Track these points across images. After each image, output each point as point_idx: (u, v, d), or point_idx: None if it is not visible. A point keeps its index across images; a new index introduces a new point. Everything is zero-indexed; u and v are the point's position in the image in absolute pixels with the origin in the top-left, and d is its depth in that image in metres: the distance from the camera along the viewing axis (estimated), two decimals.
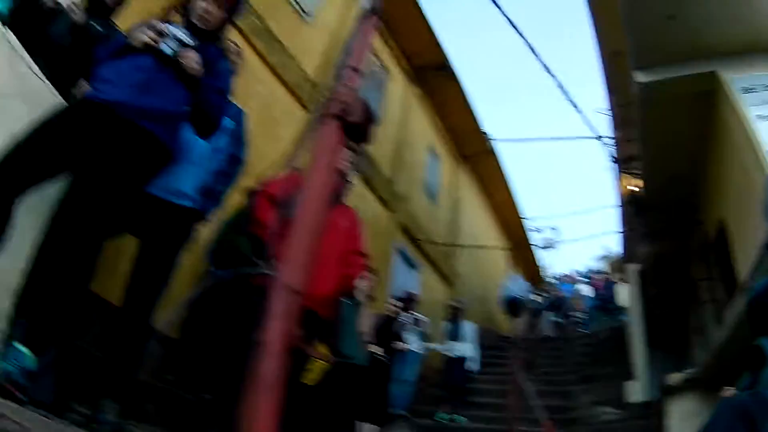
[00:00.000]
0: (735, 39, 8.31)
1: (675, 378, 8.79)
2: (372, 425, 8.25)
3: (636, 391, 10.40)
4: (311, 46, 9.83)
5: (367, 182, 10.71)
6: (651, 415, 9.41)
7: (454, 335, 10.55)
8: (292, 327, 1.98)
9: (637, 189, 12.16)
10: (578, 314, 21.43)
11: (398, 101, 13.48)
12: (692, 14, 7.94)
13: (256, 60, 8.06)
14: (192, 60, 3.29)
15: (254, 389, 1.81)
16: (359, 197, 10.02)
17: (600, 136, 11.60)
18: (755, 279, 6.36)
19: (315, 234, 2.20)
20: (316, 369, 5.81)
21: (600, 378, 12.29)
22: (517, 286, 18.20)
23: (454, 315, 10.87)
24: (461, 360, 10.41)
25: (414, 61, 14.15)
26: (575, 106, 9.92)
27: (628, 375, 11.20)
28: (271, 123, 8.03)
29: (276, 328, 1.90)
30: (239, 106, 4.49)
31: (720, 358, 7.49)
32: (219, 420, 3.90)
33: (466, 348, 10.57)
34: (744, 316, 3.18)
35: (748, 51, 8.41)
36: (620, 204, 15.34)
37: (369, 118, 2.56)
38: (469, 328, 10.85)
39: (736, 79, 8.11)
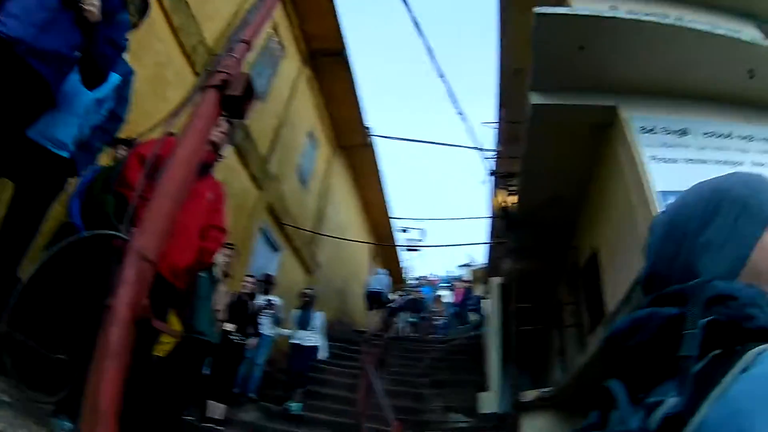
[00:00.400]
0: (640, 78, 8.70)
1: (531, 395, 9.07)
2: (221, 405, 8.17)
3: (489, 402, 10.57)
4: (216, 13, 9.60)
5: (242, 157, 10.55)
6: (502, 428, 9.67)
7: (304, 324, 10.46)
8: (142, 296, 1.97)
9: (510, 205, 12.44)
10: (438, 318, 21.93)
11: (288, 81, 13.36)
12: (602, 48, 8.24)
13: (160, 17, 7.78)
14: (92, 5, 3.20)
15: (100, 355, 1.78)
16: (231, 170, 9.90)
17: (480, 148, 11.81)
18: (621, 312, 6.66)
19: (176, 202, 2.22)
20: (166, 341, 5.68)
21: (453, 384, 12.47)
22: (380, 281, 18.47)
23: (305, 303, 10.77)
24: (311, 349, 10.37)
25: (312, 43, 14.09)
26: (460, 113, 10.08)
27: (482, 385, 11.35)
28: (162, 83, 7.78)
29: (125, 296, 1.87)
30: (130, 64, 4.37)
31: (578, 382, 7.76)
32: (73, 381, 3.74)
33: (315, 337, 10.54)
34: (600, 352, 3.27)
35: (651, 92, 8.81)
36: (491, 217, 15.73)
37: (248, 94, 2.54)
38: (318, 317, 10.81)
39: (635, 118, 8.48)
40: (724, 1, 11.95)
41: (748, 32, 10.80)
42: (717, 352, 0.83)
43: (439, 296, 23.38)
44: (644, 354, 0.93)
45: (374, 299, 17.63)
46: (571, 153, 9.36)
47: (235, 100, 2.45)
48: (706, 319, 0.87)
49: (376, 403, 9.24)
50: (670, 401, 0.83)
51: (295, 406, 9.62)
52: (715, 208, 1.10)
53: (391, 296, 18.86)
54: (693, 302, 0.92)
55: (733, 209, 1.09)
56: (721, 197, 1.11)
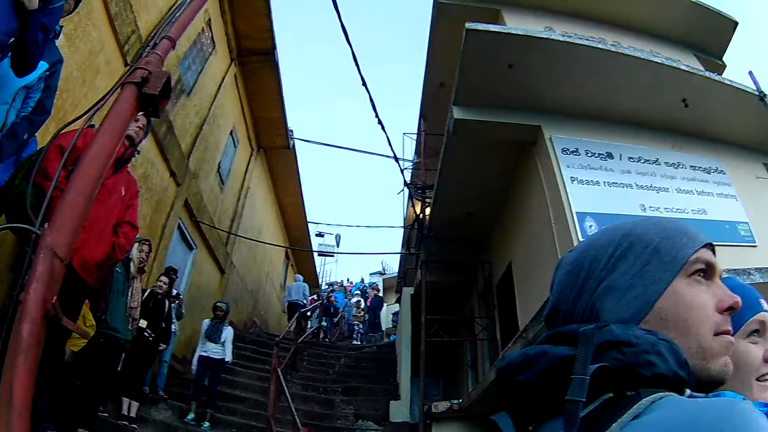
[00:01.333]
0: (569, 100, 8.87)
1: (442, 405, 9.18)
2: (135, 402, 8.07)
3: (399, 411, 10.61)
4: (153, 3, 9.38)
5: (163, 152, 10.30)
6: None
7: (213, 337, 10.30)
8: (53, 292, 1.95)
9: (425, 217, 12.55)
10: (353, 325, 22.09)
11: (215, 77, 13.23)
12: (532, 68, 8.36)
13: (98, 3, 7.55)
14: None
15: (12, 350, 1.76)
16: (151, 165, 9.73)
17: (396, 157, 11.91)
18: (532, 329, 6.77)
19: (89, 198, 2.21)
20: (79, 338, 5.60)
21: (364, 392, 12.54)
22: (299, 289, 18.51)
23: (218, 317, 10.58)
24: (219, 362, 10.21)
25: (243, 41, 14.06)
26: (380, 122, 10.15)
27: (394, 394, 11.41)
28: (93, 71, 7.50)
29: (35, 292, 1.87)
30: (64, 47, 4.28)
31: (487, 396, 7.87)
32: None
33: (223, 351, 10.38)
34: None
35: (578, 115, 9.00)
36: (405, 227, 15.86)
37: (165, 93, 2.55)
38: (228, 332, 10.62)
39: (558, 138, 8.62)
40: (665, 30, 12.39)
41: (688, 62, 11.40)
42: (609, 396, 0.86)
43: (359, 302, 23.52)
44: (533, 390, 0.94)
45: (293, 309, 17.74)
46: (490, 169, 9.50)
47: (151, 98, 2.48)
48: (595, 366, 0.88)
49: (286, 408, 9.20)
50: None
51: (205, 425, 9.42)
52: (624, 252, 1.10)
53: (305, 300, 18.97)
54: (585, 346, 0.92)
55: (643, 254, 1.09)
56: (632, 241, 1.10)
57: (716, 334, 1.02)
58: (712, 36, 13.57)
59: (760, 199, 10.85)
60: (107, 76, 7.83)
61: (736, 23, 13.69)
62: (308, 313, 18.78)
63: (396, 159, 11.91)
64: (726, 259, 7.95)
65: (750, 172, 11.31)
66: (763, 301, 1.42)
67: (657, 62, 9.10)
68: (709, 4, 13.16)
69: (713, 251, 1.12)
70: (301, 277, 20.30)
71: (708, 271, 1.08)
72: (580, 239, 7.29)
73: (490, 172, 9.68)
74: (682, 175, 9.83)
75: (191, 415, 9.44)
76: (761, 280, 7.23)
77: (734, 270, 7.17)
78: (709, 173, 10.29)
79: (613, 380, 0.86)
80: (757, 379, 1.31)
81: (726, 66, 13.88)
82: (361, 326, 22.12)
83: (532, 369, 0.95)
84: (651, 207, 8.87)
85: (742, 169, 11.14)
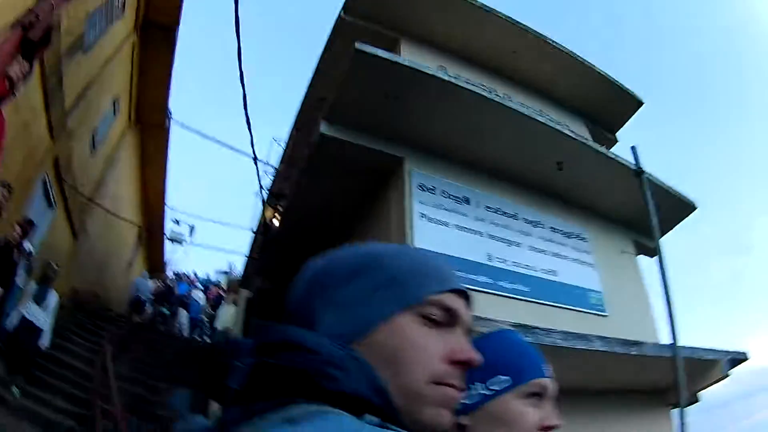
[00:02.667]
0: (439, 139, 9.50)
1: None
2: None
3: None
4: None
5: (47, 102, 10.48)
6: None
7: (39, 299, 9.97)
8: None
9: (274, 224, 13.17)
10: (198, 320, 22.30)
11: (115, 42, 13.50)
12: (411, 100, 8.88)
13: None
14: None
15: None
16: (33, 112, 9.94)
17: (256, 159, 12.28)
18: None
19: None
20: None
21: (190, 384, 12.80)
22: (145, 287, 18.78)
23: (46, 278, 10.33)
24: (40, 330, 9.87)
25: (150, 13, 14.47)
26: (248, 120, 10.46)
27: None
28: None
29: None
30: None
31: None
32: None
33: (45, 318, 10.06)
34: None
35: (445, 156, 9.65)
36: (253, 231, 16.40)
37: (45, 42, 2.86)
38: (54, 298, 10.34)
39: (417, 174, 9.20)
40: (562, 95, 13.37)
41: (576, 128, 12.18)
42: (279, 400, 0.86)
43: (195, 295, 23.63)
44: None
45: (137, 306, 17.93)
46: (347, 191, 10.03)
47: (32, 43, 2.79)
48: (258, 359, 0.94)
49: (110, 386, 9.55)
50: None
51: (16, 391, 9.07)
52: (363, 270, 1.12)
53: (148, 288, 19.17)
54: (257, 337, 0.98)
55: (376, 278, 1.10)
56: (370, 263, 1.13)
57: (435, 383, 1.04)
58: (610, 110, 14.55)
59: (620, 272, 11.78)
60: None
61: (641, 103, 14.78)
62: (149, 297, 19.08)
63: (255, 160, 12.30)
64: (570, 323, 8.84)
65: (617, 245, 12.24)
66: (547, 368, 1.48)
67: (539, 120, 9.76)
68: (619, 80, 14.21)
69: (467, 300, 1.16)
70: (147, 274, 20.55)
71: (449, 318, 1.10)
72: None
73: (347, 195, 10.13)
74: (540, 234, 10.50)
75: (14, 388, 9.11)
76: (602, 348, 7.95)
77: (576, 334, 7.82)
78: (569, 237, 11.05)
79: (290, 384, 0.90)
80: None
81: (617, 141, 14.94)
82: (206, 321, 22.31)
83: (230, 356, 0.99)
84: (498, 258, 9.44)
85: (608, 241, 12.05)
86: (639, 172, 9.66)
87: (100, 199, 15.98)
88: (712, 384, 11.33)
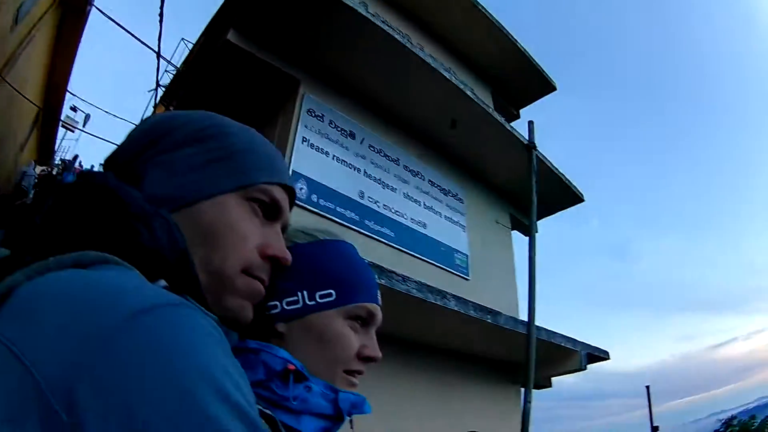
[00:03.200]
0: (343, 72, 9.65)
1: None
2: None
3: None
4: None
5: None
6: None
7: None
8: None
9: None
10: None
11: None
12: (324, 28, 8.84)
13: None
14: None
15: None
16: None
17: (159, 54, 12.11)
18: None
19: None
20: None
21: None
22: (30, 173, 18.43)
23: None
24: None
25: None
26: (161, 14, 10.30)
27: None
28: None
29: None
30: None
31: None
32: None
33: None
34: None
35: (344, 90, 9.79)
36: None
37: None
38: None
39: (310, 98, 9.14)
40: (477, 60, 13.78)
41: (482, 95, 12.27)
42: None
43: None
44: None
45: (20, 192, 17.66)
46: (241, 100, 9.79)
47: None
48: (61, 196, 0.90)
49: None
50: None
51: None
52: (198, 138, 1.09)
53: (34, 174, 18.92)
54: (77, 182, 0.93)
55: (215, 150, 1.08)
56: (213, 133, 1.10)
57: (246, 272, 1.04)
58: (520, 86, 14.91)
59: (491, 241, 12.05)
60: None
61: (553, 87, 15.16)
62: (34, 182, 18.92)
63: (158, 55, 12.21)
64: (431, 278, 8.81)
65: (493, 214, 12.52)
66: (379, 296, 1.41)
67: (444, 75, 9.70)
68: (538, 61, 14.43)
69: (291, 201, 1.19)
70: (34, 164, 20.27)
71: (271, 210, 1.11)
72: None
73: (241, 106, 9.78)
74: (418, 184, 10.49)
75: None
76: (456, 308, 8.00)
77: (432, 287, 7.76)
78: (446, 194, 11.12)
79: (90, 231, 0.85)
80: (345, 371, 1.28)
81: (519, 117, 15.20)
82: None
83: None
84: (370, 198, 9.40)
85: (485, 208, 12.33)
86: (530, 146, 9.61)
87: (10, 77, 15.55)
88: (567, 373, 11.77)
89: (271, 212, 1.11)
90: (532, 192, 8.87)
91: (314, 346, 1.23)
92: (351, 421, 1.23)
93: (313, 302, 1.25)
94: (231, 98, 9.63)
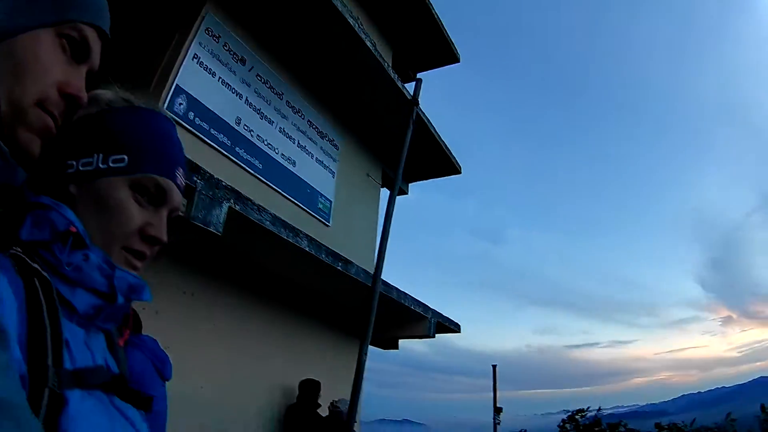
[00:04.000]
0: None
1: None
2: None
3: None
4: None
5: None
6: None
7: None
8: None
9: None
10: None
11: None
12: None
13: None
14: None
15: None
16: None
17: None
18: None
19: None
20: None
21: None
22: None
23: None
24: None
25: None
26: None
27: None
28: None
29: None
30: None
31: None
32: None
33: None
34: None
35: (242, 12, 9.46)
36: None
37: None
38: None
39: (211, 18, 8.87)
40: (381, 13, 13.52)
41: (382, 48, 11.86)
42: None
43: None
44: None
45: None
46: (145, 11, 9.32)
47: None
48: None
49: None
50: None
51: None
52: None
53: None
54: None
55: None
56: None
57: (41, 107, 1.01)
58: (423, 49, 15.11)
59: (359, 193, 12.24)
60: None
61: (457, 59, 15.51)
62: None
63: None
64: (291, 217, 8.75)
65: (366, 166, 12.65)
66: (180, 177, 1.32)
67: (348, 21, 9.69)
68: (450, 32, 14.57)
69: (104, 40, 1.17)
70: None
71: (80, 49, 1.09)
72: (166, 112, 7.65)
73: (145, 19, 9.30)
74: (296, 121, 10.45)
75: None
76: (308, 249, 7.92)
77: (287, 223, 7.58)
78: (322, 138, 11.15)
79: None
80: (125, 249, 1.20)
81: (416, 79, 15.00)
82: None
83: None
84: (246, 126, 9.34)
85: (359, 159, 12.46)
86: (413, 102, 9.61)
87: None
88: (415, 337, 12.06)
89: (79, 51, 1.09)
90: (404, 146, 8.89)
91: (96, 213, 1.18)
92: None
93: (104, 166, 1.20)
94: (136, 7, 9.13)
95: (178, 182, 1.30)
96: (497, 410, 21.28)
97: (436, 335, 12.09)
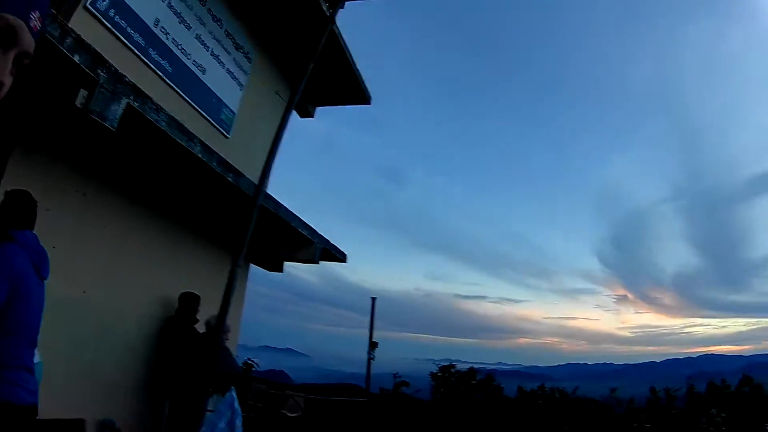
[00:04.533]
0: None
1: None
2: None
3: None
4: None
5: None
6: None
7: None
8: None
9: None
10: None
11: None
12: None
13: None
14: None
15: None
16: None
17: None
18: None
19: None
20: None
21: None
22: None
23: None
24: None
25: None
26: None
27: None
28: None
29: None
30: None
31: None
32: None
33: None
34: None
35: None
36: None
37: None
38: None
39: None
40: None
41: None
42: None
43: None
44: None
45: None
46: None
47: None
48: None
49: None
50: None
51: None
52: None
53: None
54: None
55: None
56: None
57: None
58: None
59: (264, 109, 12.34)
60: None
61: None
62: None
63: None
64: (193, 125, 8.59)
65: (276, 85, 12.74)
66: (35, 17, 1.24)
67: None
68: None
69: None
70: None
71: (5, 37, 1.10)
72: (89, 6, 7.64)
73: None
74: (213, 30, 10.57)
75: None
76: (200, 155, 7.84)
77: (184, 127, 7.50)
78: (237, 49, 11.18)
79: None
80: None
81: (343, 7, 14.54)
82: None
83: None
84: (163, 28, 9.19)
85: (270, 76, 12.61)
86: (330, 19, 9.85)
87: None
88: (300, 261, 12.27)
89: (5, 39, 1.13)
90: (309, 66, 9.17)
91: None
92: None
93: None
94: None
95: (31, 24, 1.23)
96: (372, 345, 21.36)
97: (325, 264, 12.48)
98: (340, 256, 12.75)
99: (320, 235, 11.60)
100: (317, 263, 12.03)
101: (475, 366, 20.71)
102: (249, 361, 17.52)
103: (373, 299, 21.92)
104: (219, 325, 8.35)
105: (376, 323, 21.92)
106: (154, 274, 9.67)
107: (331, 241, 12.29)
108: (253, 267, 12.64)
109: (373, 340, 21.69)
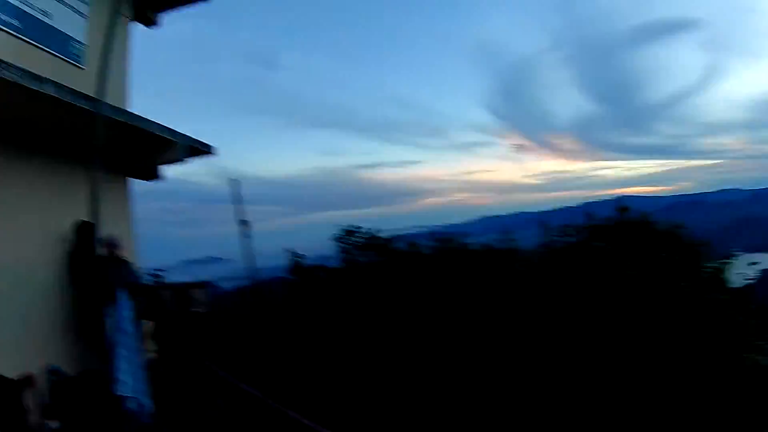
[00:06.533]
0: None
1: None
2: None
3: None
4: None
5: None
6: None
7: None
8: None
9: None
10: None
11: None
12: None
13: None
14: None
15: None
16: None
17: None
18: None
19: None
20: None
21: None
22: None
23: None
24: None
25: None
26: None
27: None
28: None
29: None
30: None
31: None
32: None
33: None
34: None
35: None
36: None
37: None
38: None
39: None
40: None
41: None
42: None
43: None
44: None
45: None
46: None
47: None
48: None
49: None
50: None
51: None
52: None
53: None
54: None
55: None
56: None
57: None
58: None
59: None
60: None
61: None
62: None
63: None
64: (46, 67, 9.00)
65: (119, 5, 11.83)
66: None
67: None
68: None
69: None
70: None
71: None
72: None
73: None
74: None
75: None
76: (54, 94, 8.12)
77: (33, 74, 7.73)
78: None
79: None
80: None
81: None
82: None
83: None
84: None
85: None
86: None
87: None
88: (169, 163, 12.92)
89: None
90: None
91: None
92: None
93: None
94: None
95: None
96: (243, 224, 21.93)
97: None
98: (205, 149, 12.97)
99: (181, 133, 11.72)
100: (182, 160, 12.32)
101: (393, 234, 18.65)
102: (154, 273, 17.23)
103: (235, 182, 21.72)
104: (89, 236, 9.34)
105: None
106: (45, 212, 10.06)
107: (197, 138, 12.48)
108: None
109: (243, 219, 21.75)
